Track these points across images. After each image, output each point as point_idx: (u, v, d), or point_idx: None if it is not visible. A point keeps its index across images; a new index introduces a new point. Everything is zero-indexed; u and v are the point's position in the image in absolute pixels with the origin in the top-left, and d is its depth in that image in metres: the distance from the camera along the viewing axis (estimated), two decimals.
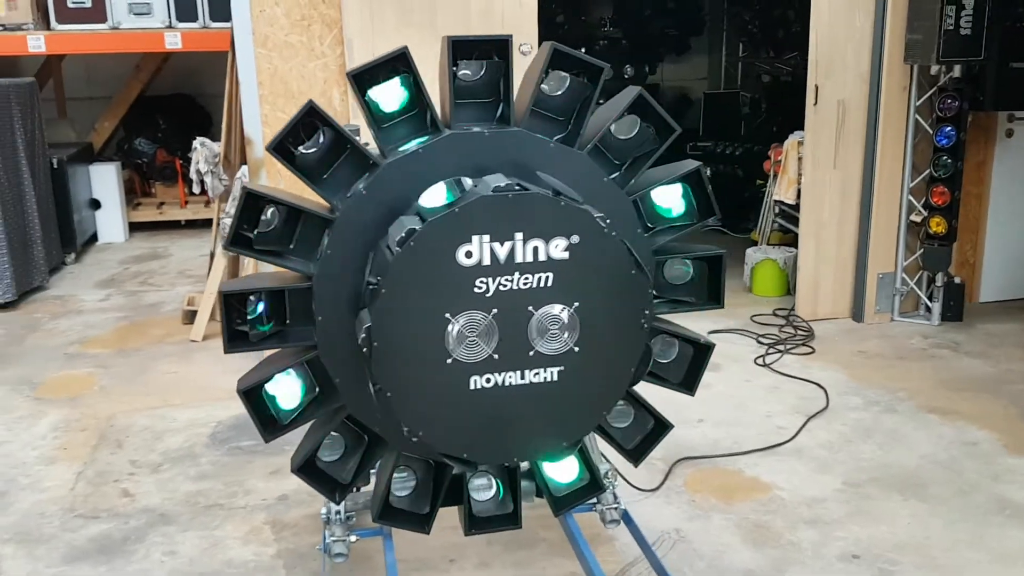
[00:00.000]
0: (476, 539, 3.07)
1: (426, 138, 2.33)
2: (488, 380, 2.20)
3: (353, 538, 2.65)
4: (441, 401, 2.20)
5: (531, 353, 2.21)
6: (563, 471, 2.66)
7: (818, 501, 3.35)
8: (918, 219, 5.13)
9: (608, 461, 2.97)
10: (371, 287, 2.14)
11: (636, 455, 2.67)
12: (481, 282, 2.14)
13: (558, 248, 2.17)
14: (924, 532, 3.14)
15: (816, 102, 5.04)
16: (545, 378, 2.24)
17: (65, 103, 8.15)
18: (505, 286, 2.15)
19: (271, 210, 2.30)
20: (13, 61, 7.68)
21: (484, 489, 2.59)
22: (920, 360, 4.73)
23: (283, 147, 2.25)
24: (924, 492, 3.39)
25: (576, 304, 2.21)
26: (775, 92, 8.36)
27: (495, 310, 2.16)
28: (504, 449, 2.30)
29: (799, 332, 5.15)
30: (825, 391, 4.30)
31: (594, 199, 2.36)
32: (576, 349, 2.24)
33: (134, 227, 8.09)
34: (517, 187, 2.14)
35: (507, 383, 2.21)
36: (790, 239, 6.17)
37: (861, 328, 5.25)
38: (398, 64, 2.32)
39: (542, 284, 2.18)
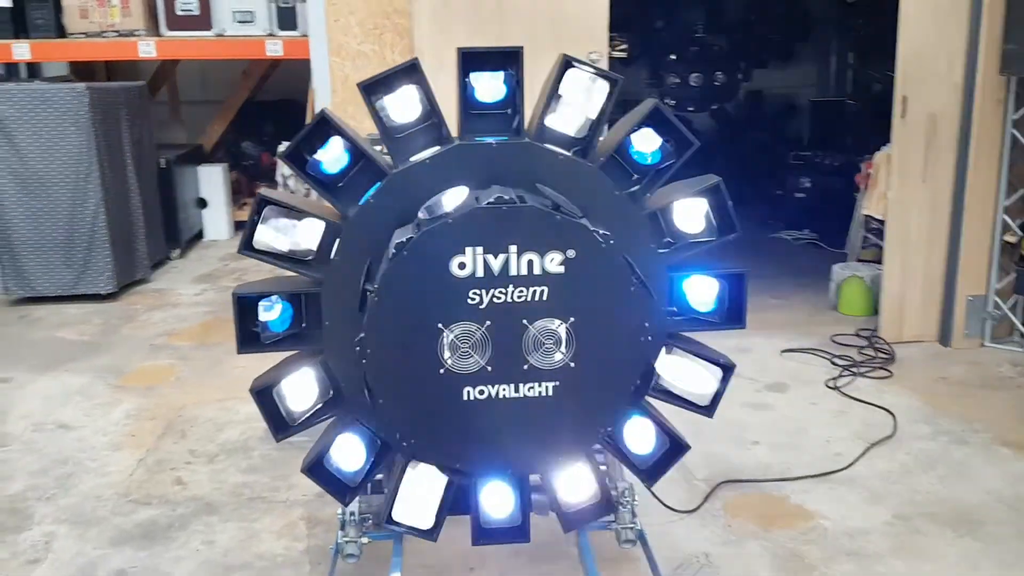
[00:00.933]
0: (499, 549, 3.07)
1: (437, 149, 2.35)
2: (481, 392, 2.21)
3: (365, 540, 2.69)
4: (434, 411, 2.22)
5: (525, 367, 2.20)
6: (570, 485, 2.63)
7: (863, 533, 3.19)
8: (1013, 239, 4.82)
9: (623, 479, 2.90)
10: (367, 294, 2.18)
11: (651, 475, 2.61)
12: (475, 293, 2.15)
13: (553, 262, 2.15)
14: (972, 573, 2.95)
15: (904, 114, 4.80)
16: (540, 392, 2.23)
17: (179, 106, 8.58)
18: (499, 298, 2.15)
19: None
20: (132, 65, 8.15)
21: (496, 500, 2.59)
22: (1005, 390, 4.45)
23: (297, 155, 2.31)
24: (980, 531, 3.18)
25: (572, 319, 2.19)
26: (884, 101, 8.03)
27: (488, 322, 2.17)
28: (498, 462, 2.29)
29: (879, 355, 4.92)
30: (894, 418, 4.10)
31: (603, 213, 2.34)
32: (572, 364, 2.21)
33: (239, 225, 8.45)
34: (512, 200, 2.13)
35: (501, 396, 2.21)
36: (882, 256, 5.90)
37: (947, 353, 4.97)
38: (411, 75, 2.35)
39: (536, 298, 2.16)
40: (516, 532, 2.56)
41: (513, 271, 2.14)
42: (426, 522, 2.64)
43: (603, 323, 2.21)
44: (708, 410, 2.59)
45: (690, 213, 2.50)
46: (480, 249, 2.13)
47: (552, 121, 2.44)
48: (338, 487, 2.54)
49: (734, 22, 8.61)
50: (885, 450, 3.83)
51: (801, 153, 8.13)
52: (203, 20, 6.87)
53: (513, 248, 2.13)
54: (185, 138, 8.39)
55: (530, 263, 2.14)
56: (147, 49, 6.88)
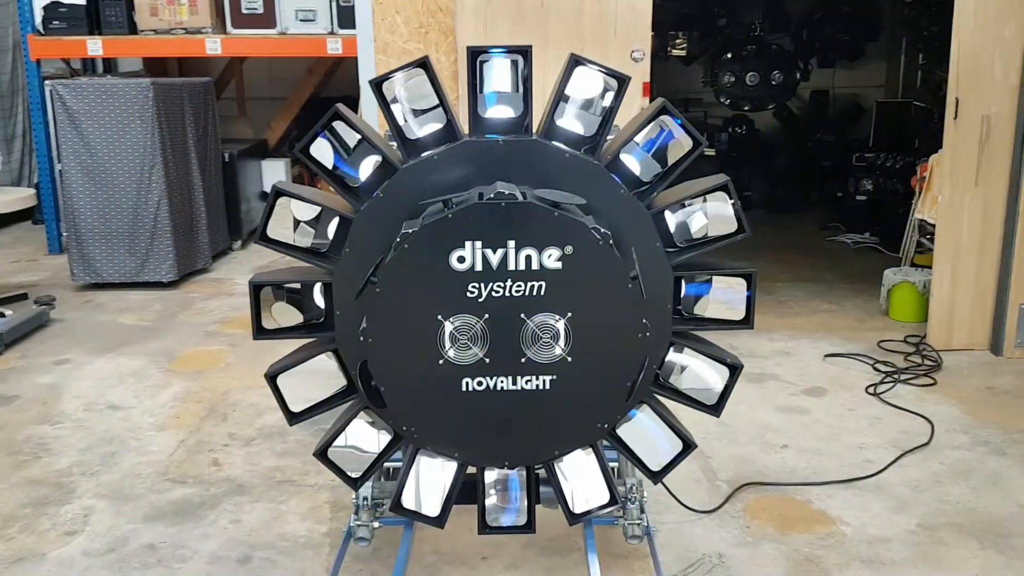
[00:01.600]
0: (513, 540, 3.13)
1: (446, 145, 2.41)
2: (480, 383, 2.25)
3: (376, 524, 2.77)
4: (433, 400, 2.27)
5: (523, 360, 2.24)
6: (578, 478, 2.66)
7: (882, 541, 3.14)
8: None
9: (632, 475, 2.92)
10: (367, 285, 2.24)
11: (657, 473, 2.62)
12: (473, 287, 2.19)
13: (551, 258, 2.19)
14: None
15: (956, 116, 4.69)
16: (537, 386, 2.26)
17: (245, 102, 8.83)
18: (497, 292, 2.20)
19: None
20: (202, 62, 8.41)
21: (502, 491, 2.64)
22: None
23: (308, 150, 2.39)
24: (1005, 543, 3.11)
25: (569, 314, 2.22)
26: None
27: (487, 315, 2.21)
28: (497, 453, 2.34)
29: (925, 362, 4.81)
30: (932, 426, 4.01)
31: (608, 211, 2.37)
32: (569, 359, 2.25)
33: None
34: (512, 196, 2.17)
35: (499, 387, 2.26)
36: None
37: (997, 362, 4.83)
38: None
39: (534, 292, 2.20)
40: (522, 524, 2.62)
41: (511, 266, 2.19)
42: (434, 509, 2.71)
43: (600, 319, 2.23)
44: (714, 409, 2.59)
45: (698, 213, 2.51)
46: (479, 244, 2.17)
47: (562, 120, 2.48)
48: (347, 474, 2.63)
49: (799, 21, 8.48)
50: (918, 458, 3.75)
51: (865, 155, 7.96)
52: (267, 18, 7.07)
53: (511, 243, 2.18)
54: (251, 133, 8.63)
55: (528, 258, 2.18)
56: (213, 46, 7.10)
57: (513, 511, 2.65)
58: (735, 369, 2.56)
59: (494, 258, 2.18)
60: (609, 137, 2.48)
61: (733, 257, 2.47)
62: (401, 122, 2.42)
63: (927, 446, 3.85)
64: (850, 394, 4.46)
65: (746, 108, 7.83)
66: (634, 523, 2.77)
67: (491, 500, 2.63)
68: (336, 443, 2.62)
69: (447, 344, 2.23)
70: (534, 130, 2.41)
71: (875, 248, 7.46)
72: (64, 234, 7.17)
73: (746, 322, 2.53)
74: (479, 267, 2.19)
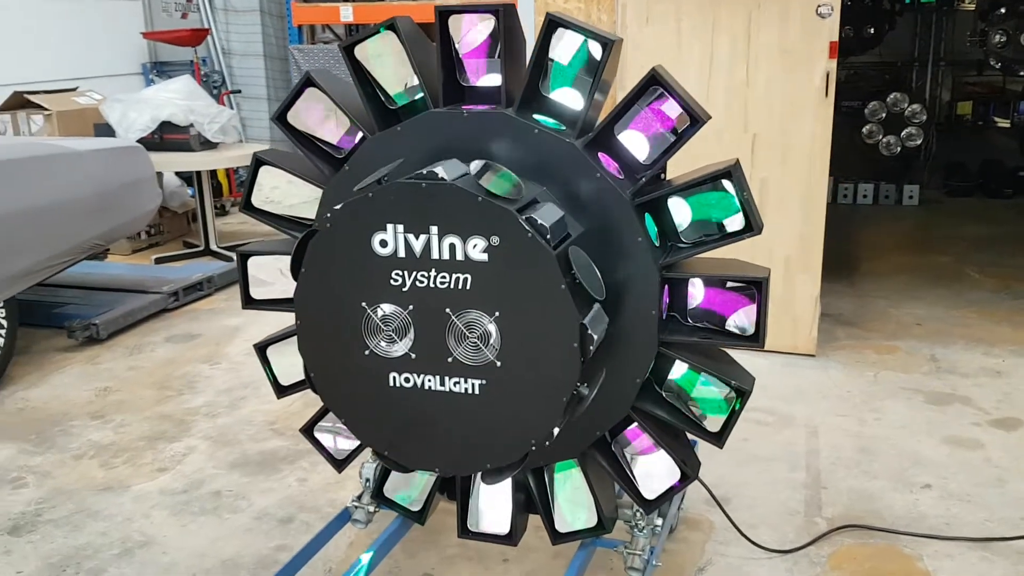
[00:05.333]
0: (542, 546, 2.87)
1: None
2: (407, 380, 2.07)
3: (372, 508, 2.68)
4: (361, 392, 2.12)
5: (449, 360, 2.02)
6: (569, 498, 2.39)
7: None
8: None
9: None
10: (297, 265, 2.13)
11: (650, 502, 2.28)
12: (397, 274, 2.01)
13: (476, 248, 1.93)
14: None
15: None
16: (466, 389, 2.03)
17: None
18: (421, 282, 1.99)
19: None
20: None
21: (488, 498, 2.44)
22: None
23: (284, 117, 2.32)
24: None
25: (497, 313, 1.96)
26: None
27: (411, 306, 2.02)
28: (427, 457, 2.14)
29: None
30: None
31: (581, 196, 2.07)
32: (498, 364, 1.98)
33: None
34: (432, 175, 1.94)
35: (427, 386, 2.06)
36: None
37: None
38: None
39: (459, 286, 1.97)
40: (504, 535, 2.40)
41: (435, 254, 1.96)
42: (416, 504, 2.57)
43: (533, 321, 1.94)
44: (717, 437, 2.18)
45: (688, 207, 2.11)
46: (400, 227, 1.97)
47: (551, 91, 2.18)
48: (332, 454, 2.56)
49: None
50: None
51: None
52: None
53: (434, 229, 1.95)
54: None
55: (452, 247, 1.95)
56: (346, 14, 7.27)
57: (496, 520, 2.45)
58: (741, 394, 2.14)
59: (417, 244, 1.97)
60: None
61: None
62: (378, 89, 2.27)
63: None
64: None
65: (1021, 74, 6.56)
66: (634, 553, 2.43)
67: (475, 505, 2.45)
68: (324, 421, 2.57)
69: (371, 334, 2.06)
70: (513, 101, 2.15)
71: None
72: None
73: (754, 339, 2.10)
74: (402, 253, 1.99)
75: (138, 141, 6.09)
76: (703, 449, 3.50)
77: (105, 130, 6.32)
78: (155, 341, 4.88)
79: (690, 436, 2.33)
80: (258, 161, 2.38)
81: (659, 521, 2.48)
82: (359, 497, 2.69)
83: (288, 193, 2.42)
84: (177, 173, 7.12)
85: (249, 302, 2.48)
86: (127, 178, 4.85)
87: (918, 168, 8.21)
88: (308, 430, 2.56)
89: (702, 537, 2.95)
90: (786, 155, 4.24)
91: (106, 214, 4.69)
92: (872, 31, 8.06)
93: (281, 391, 2.53)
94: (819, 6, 4.04)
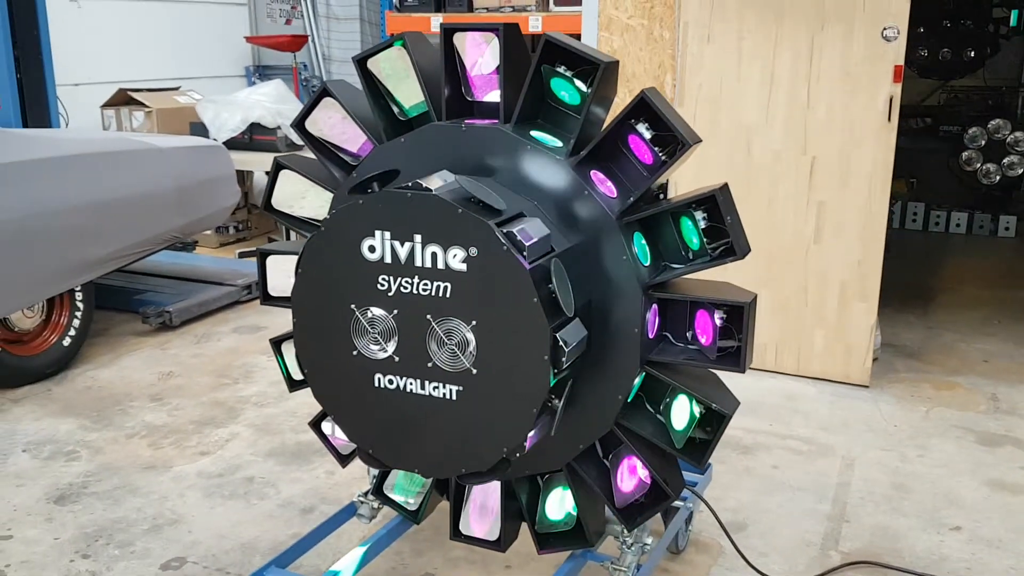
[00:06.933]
0: (543, 556, 2.91)
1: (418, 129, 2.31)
2: (391, 381, 2.15)
3: (376, 504, 2.76)
4: (348, 391, 2.21)
5: (430, 364, 2.08)
6: (556, 505, 2.43)
7: None
8: None
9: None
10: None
11: (628, 517, 2.30)
12: (383, 279, 2.09)
13: (456, 258, 2.00)
14: None
15: None
16: (444, 394, 2.10)
17: None
18: (405, 288, 2.07)
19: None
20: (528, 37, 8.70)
21: (480, 503, 2.50)
22: None
23: (303, 125, 2.43)
24: None
25: (474, 322, 2.01)
26: None
27: (396, 311, 2.09)
28: (409, 458, 2.20)
29: None
30: None
31: (569, 214, 2.11)
32: (474, 371, 2.04)
33: None
34: (418, 186, 2.02)
35: (408, 389, 2.13)
36: None
37: None
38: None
39: (440, 293, 2.04)
40: (492, 541, 2.46)
41: (418, 262, 2.04)
42: (412, 504, 2.65)
43: (507, 332, 1.99)
44: (697, 459, 2.18)
45: (678, 226, 2.12)
46: (388, 234, 2.05)
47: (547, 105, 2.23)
48: (337, 448, 2.66)
49: None
50: None
51: None
52: None
53: (418, 237, 2.02)
54: None
55: (434, 256, 2.01)
56: (535, 23, 7.34)
57: (487, 526, 2.50)
58: (721, 418, 2.14)
59: (402, 251, 2.05)
60: None
61: None
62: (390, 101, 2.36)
63: None
64: None
65: None
66: (620, 569, 2.44)
67: (468, 510, 2.51)
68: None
69: (359, 336, 2.14)
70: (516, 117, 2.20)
71: None
72: None
73: (735, 363, 2.09)
74: (388, 259, 2.07)
75: (229, 141, 6.41)
76: (731, 473, 3.48)
77: (199, 129, 6.66)
78: (223, 331, 5.12)
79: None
80: (278, 165, 2.50)
81: (649, 540, 2.48)
82: (366, 493, 2.78)
83: (317, 197, 2.54)
84: (265, 173, 7.43)
85: (267, 299, 2.61)
86: (207, 175, 5.11)
87: (1018, 198, 7.84)
88: (316, 424, 2.66)
89: (708, 561, 2.93)
90: (845, 179, 4.14)
91: (185, 208, 4.95)
92: (972, 54, 7.74)
93: (293, 385, 2.64)
94: (885, 28, 3.95)
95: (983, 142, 7.64)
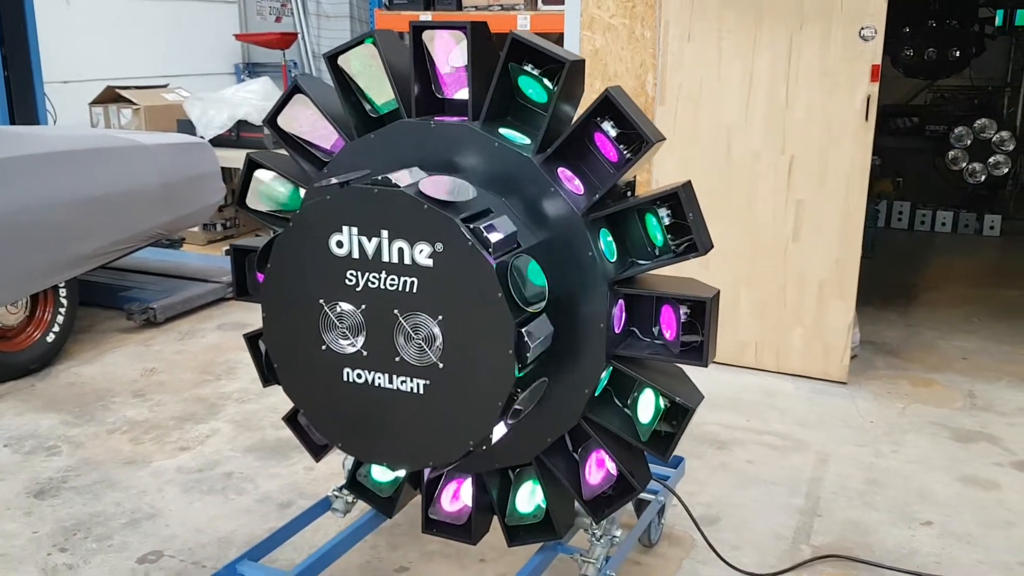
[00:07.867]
0: (517, 549, 2.93)
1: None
2: (359, 376, 2.17)
3: (350, 498, 2.78)
4: (318, 385, 2.24)
5: (397, 359, 2.11)
6: (526, 498, 2.46)
7: None
8: None
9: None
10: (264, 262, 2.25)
11: (596, 510, 2.33)
12: (351, 274, 2.11)
13: (422, 254, 2.03)
14: None
15: None
16: (412, 388, 2.12)
17: None
18: (373, 283, 2.10)
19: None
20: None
21: (451, 494, 2.53)
22: None
23: (275, 122, 2.46)
24: None
25: (440, 317, 2.04)
26: None
27: (364, 306, 2.12)
28: (377, 451, 2.23)
29: None
30: None
31: (536, 211, 2.14)
32: (440, 365, 2.07)
33: None
34: (386, 181, 2.04)
35: (376, 383, 2.15)
36: None
37: None
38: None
39: (407, 288, 2.06)
40: (460, 530, 2.48)
41: (385, 257, 2.06)
42: (386, 494, 2.67)
43: (472, 327, 2.01)
44: (661, 452, 2.21)
45: (644, 223, 2.15)
46: (355, 230, 2.08)
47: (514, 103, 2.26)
48: (309, 442, 2.68)
49: None
50: None
51: None
52: None
53: (384, 233, 2.05)
54: None
55: (401, 251, 2.04)
56: (523, 22, 7.36)
57: (456, 516, 2.53)
58: (684, 411, 2.17)
59: (369, 246, 2.07)
60: None
61: None
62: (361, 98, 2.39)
63: None
64: None
65: None
66: (588, 561, 2.47)
67: (438, 501, 2.54)
68: None
69: (327, 331, 2.17)
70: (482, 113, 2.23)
71: None
72: None
73: (698, 358, 2.12)
74: (356, 254, 2.09)
75: (216, 138, 6.42)
76: (706, 468, 3.51)
77: (187, 126, 6.67)
78: (207, 327, 5.14)
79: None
80: (251, 162, 2.52)
81: (618, 532, 2.51)
82: (341, 488, 2.81)
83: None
84: None
85: (242, 294, 2.63)
86: (191, 172, 5.12)
87: (1003, 198, 7.89)
88: (291, 419, 2.68)
89: (680, 554, 2.96)
90: (824, 178, 4.18)
91: (169, 205, 4.96)
92: (958, 54, 7.79)
93: (267, 380, 2.66)
94: (862, 28, 3.98)
95: (969, 141, 7.69)
